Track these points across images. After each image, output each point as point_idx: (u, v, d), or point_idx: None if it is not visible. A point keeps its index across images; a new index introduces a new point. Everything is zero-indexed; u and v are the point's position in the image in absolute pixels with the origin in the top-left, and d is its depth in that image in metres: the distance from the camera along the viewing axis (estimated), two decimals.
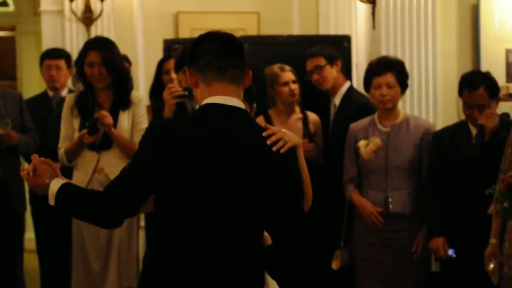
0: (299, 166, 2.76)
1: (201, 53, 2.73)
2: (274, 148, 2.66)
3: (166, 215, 2.67)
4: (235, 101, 2.72)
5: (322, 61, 5.37)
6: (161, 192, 2.68)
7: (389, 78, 4.79)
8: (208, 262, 2.63)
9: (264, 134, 2.69)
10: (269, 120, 5.34)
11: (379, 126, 4.87)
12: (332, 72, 5.39)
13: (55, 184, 2.79)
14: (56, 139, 5.06)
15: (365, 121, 4.95)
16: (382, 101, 4.80)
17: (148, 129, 2.75)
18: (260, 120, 5.30)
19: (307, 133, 5.38)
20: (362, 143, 4.85)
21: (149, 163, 2.66)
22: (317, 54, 5.40)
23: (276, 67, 5.41)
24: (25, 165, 6.30)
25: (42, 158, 2.88)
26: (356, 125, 4.96)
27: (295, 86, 5.39)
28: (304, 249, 2.63)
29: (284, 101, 5.41)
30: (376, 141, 4.82)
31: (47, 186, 2.80)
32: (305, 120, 5.45)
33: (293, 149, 2.71)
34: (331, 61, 5.39)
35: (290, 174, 2.68)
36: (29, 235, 6.31)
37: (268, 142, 2.67)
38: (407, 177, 4.80)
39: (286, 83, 5.37)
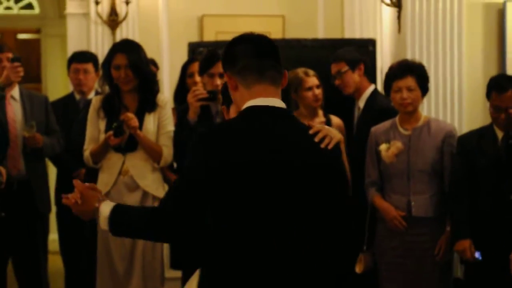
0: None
1: (239, 56, 2.77)
2: (322, 145, 2.75)
3: (225, 226, 2.65)
4: (277, 102, 2.77)
5: (343, 67, 5.43)
6: (216, 202, 2.66)
7: (410, 81, 4.81)
8: (278, 268, 2.65)
9: (311, 132, 2.78)
10: None
11: (400, 129, 4.90)
12: (353, 77, 5.44)
13: (106, 208, 2.77)
14: (81, 141, 5.11)
15: (386, 124, 4.98)
16: (402, 104, 4.82)
17: (196, 137, 2.73)
18: None
19: None
20: (383, 147, 4.88)
21: (203, 171, 2.64)
22: (339, 59, 5.45)
23: (300, 72, 5.46)
24: (50, 167, 6.41)
25: (86, 184, 2.87)
26: (377, 129, 4.98)
27: (319, 91, 5.43)
28: (353, 238, 2.81)
29: (307, 105, 5.47)
30: (397, 144, 4.85)
31: (95, 211, 2.79)
32: (328, 124, 5.45)
33: (337, 144, 2.81)
34: (352, 66, 5.44)
35: (339, 169, 2.80)
36: (52, 236, 6.39)
37: (316, 139, 2.76)
38: (429, 181, 4.83)
39: (310, 88, 5.42)
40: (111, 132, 4.87)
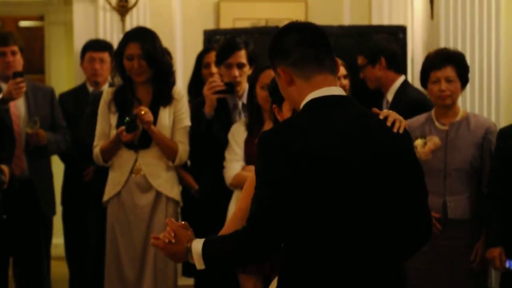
0: None
1: (291, 47, 2.75)
2: (394, 130, 2.78)
3: (305, 225, 2.66)
4: (340, 91, 2.77)
5: (362, 61, 5.49)
6: (297, 201, 2.65)
7: (449, 72, 4.76)
8: (358, 263, 2.69)
9: (380, 117, 2.80)
10: None
11: (437, 124, 4.85)
12: (373, 72, 5.49)
13: (197, 245, 2.74)
14: (89, 137, 5.10)
15: (421, 118, 4.93)
16: (441, 96, 4.78)
17: (263, 138, 2.72)
18: None
19: None
20: (419, 142, 4.83)
21: (281, 170, 2.63)
22: (360, 52, 5.52)
23: None
24: (57, 165, 6.39)
25: (180, 222, 2.87)
26: (412, 122, 4.91)
27: (346, 82, 5.41)
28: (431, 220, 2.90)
29: None
30: (434, 140, 4.80)
31: (188, 251, 2.76)
32: None
33: (405, 128, 2.83)
34: (372, 61, 5.47)
35: (414, 152, 2.86)
36: (56, 240, 6.38)
37: (388, 123, 2.79)
38: (467, 180, 4.78)
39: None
40: (123, 127, 4.84)
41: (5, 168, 4.80)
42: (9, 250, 5.60)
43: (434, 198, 4.78)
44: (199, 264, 2.74)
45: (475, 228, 4.80)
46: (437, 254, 4.77)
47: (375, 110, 2.85)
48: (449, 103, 4.81)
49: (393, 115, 2.81)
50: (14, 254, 5.69)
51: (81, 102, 6.02)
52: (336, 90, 2.75)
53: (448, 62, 4.79)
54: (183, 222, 2.87)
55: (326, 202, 2.65)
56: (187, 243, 2.77)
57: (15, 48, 5.64)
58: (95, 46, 6.23)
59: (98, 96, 5.24)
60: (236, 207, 3.24)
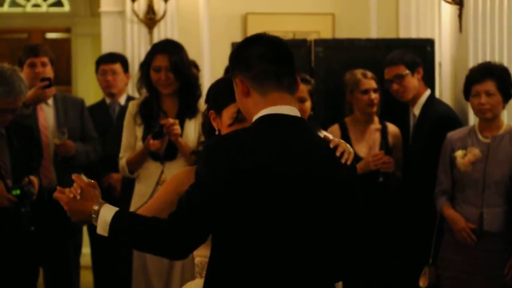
0: None
1: (254, 60, 2.76)
2: (342, 160, 2.80)
3: (235, 237, 2.68)
4: (294, 111, 2.79)
5: (403, 70, 5.45)
6: (232, 212, 2.66)
7: (489, 85, 4.83)
8: (287, 279, 2.69)
9: (331, 145, 2.82)
10: (344, 129, 5.44)
11: (480, 137, 4.91)
12: (413, 82, 5.47)
13: (107, 212, 2.71)
14: (116, 153, 5.14)
15: (464, 130, 5.01)
16: (480, 110, 4.84)
17: (211, 143, 2.73)
18: (335, 128, 5.41)
19: (384, 145, 5.45)
20: (459, 153, 4.89)
21: (222, 179, 2.64)
22: (397, 62, 5.47)
23: (358, 73, 5.49)
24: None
25: (89, 180, 2.81)
26: (454, 134, 5.00)
27: (375, 96, 5.45)
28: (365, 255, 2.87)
29: (361, 109, 5.49)
30: (474, 152, 4.85)
31: (94, 213, 2.73)
32: (383, 131, 5.52)
33: (353, 162, 2.85)
34: (412, 69, 5.46)
35: (355, 186, 2.85)
36: (83, 250, 6.43)
37: (337, 153, 2.81)
38: (506, 193, 4.80)
39: (366, 91, 5.44)
40: (150, 136, 4.86)
41: (34, 179, 4.82)
42: (39, 260, 5.63)
43: (471, 209, 4.87)
44: (102, 230, 2.71)
45: (510, 242, 4.80)
46: (471, 264, 4.83)
47: (327, 137, 2.88)
48: (489, 116, 4.86)
49: (343, 146, 2.83)
50: (43, 265, 5.72)
51: (100, 115, 6.13)
52: (290, 110, 2.77)
53: (489, 76, 4.85)
54: (92, 181, 2.82)
55: (259, 217, 2.66)
56: (95, 205, 2.73)
57: (45, 59, 5.70)
58: (106, 58, 6.33)
59: (124, 110, 5.27)
60: (155, 196, 3.24)
